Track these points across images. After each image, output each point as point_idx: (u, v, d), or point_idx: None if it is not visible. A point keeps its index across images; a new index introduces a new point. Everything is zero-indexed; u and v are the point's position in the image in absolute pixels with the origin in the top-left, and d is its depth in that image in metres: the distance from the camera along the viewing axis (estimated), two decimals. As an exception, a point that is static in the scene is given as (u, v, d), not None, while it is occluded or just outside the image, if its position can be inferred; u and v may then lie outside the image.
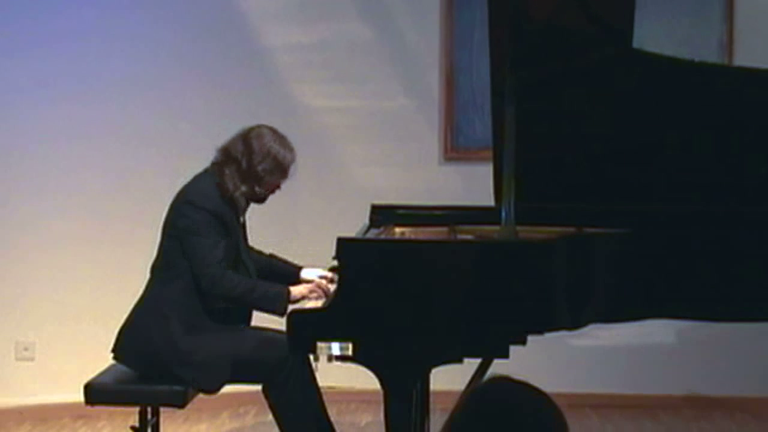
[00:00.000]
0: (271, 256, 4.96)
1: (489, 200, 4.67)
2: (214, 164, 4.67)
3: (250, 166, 4.60)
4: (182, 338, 4.52)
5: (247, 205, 4.74)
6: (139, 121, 5.99)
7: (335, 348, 3.84)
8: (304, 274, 4.83)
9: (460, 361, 3.91)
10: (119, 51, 6.15)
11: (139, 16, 6.19)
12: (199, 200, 4.57)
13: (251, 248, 4.92)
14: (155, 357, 4.51)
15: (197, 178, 4.68)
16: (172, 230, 4.62)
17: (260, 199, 4.72)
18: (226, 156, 4.64)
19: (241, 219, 4.75)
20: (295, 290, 4.55)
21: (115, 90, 6.13)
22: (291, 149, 4.67)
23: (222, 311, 4.60)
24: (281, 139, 4.66)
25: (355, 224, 4.80)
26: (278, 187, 4.71)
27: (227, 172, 4.60)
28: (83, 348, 5.85)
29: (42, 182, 6.11)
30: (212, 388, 4.60)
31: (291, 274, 4.85)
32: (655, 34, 5.94)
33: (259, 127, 4.69)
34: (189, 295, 4.56)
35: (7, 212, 6.09)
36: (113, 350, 4.67)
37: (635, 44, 4.35)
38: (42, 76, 6.09)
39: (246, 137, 4.64)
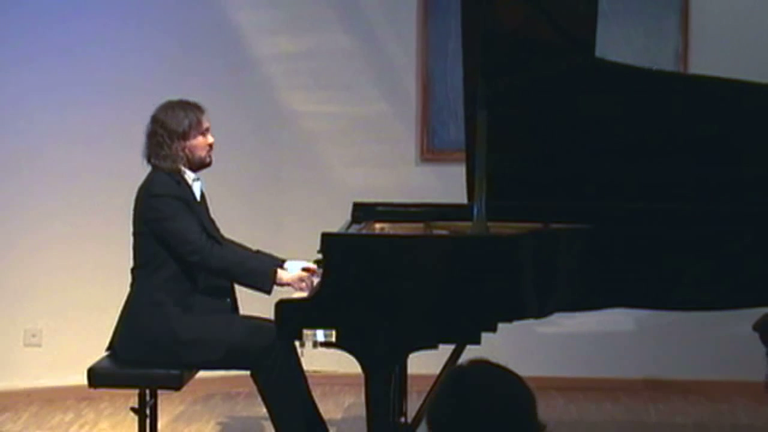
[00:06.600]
0: (258, 252, 4.91)
1: (462, 198, 4.66)
2: (148, 159, 4.63)
3: (170, 132, 4.56)
4: (178, 319, 4.47)
5: (196, 174, 4.66)
6: (138, 126, 5.92)
7: (320, 335, 3.83)
8: (288, 266, 4.79)
9: (435, 347, 3.90)
10: (120, 60, 6.14)
11: (140, 27, 6.18)
12: (159, 190, 4.53)
13: (236, 243, 4.88)
14: (154, 342, 4.45)
15: (148, 176, 4.63)
16: (144, 227, 4.56)
17: (202, 160, 4.64)
18: (149, 142, 4.62)
19: (199, 195, 4.68)
20: (283, 274, 4.52)
21: (116, 96, 6.11)
22: (194, 104, 4.63)
23: (208, 287, 4.56)
24: (180, 102, 4.63)
25: (338, 221, 4.78)
26: (207, 142, 4.62)
27: (159, 153, 4.57)
28: (87, 335, 5.81)
29: (50, 183, 6.09)
30: (208, 364, 4.57)
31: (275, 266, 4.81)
32: (615, 44, 5.94)
33: (159, 106, 4.65)
34: (177, 279, 4.51)
35: (17, 210, 6.06)
36: (110, 346, 4.63)
37: (597, 54, 4.34)
38: (48, 83, 6.06)
39: (154, 118, 4.61)
